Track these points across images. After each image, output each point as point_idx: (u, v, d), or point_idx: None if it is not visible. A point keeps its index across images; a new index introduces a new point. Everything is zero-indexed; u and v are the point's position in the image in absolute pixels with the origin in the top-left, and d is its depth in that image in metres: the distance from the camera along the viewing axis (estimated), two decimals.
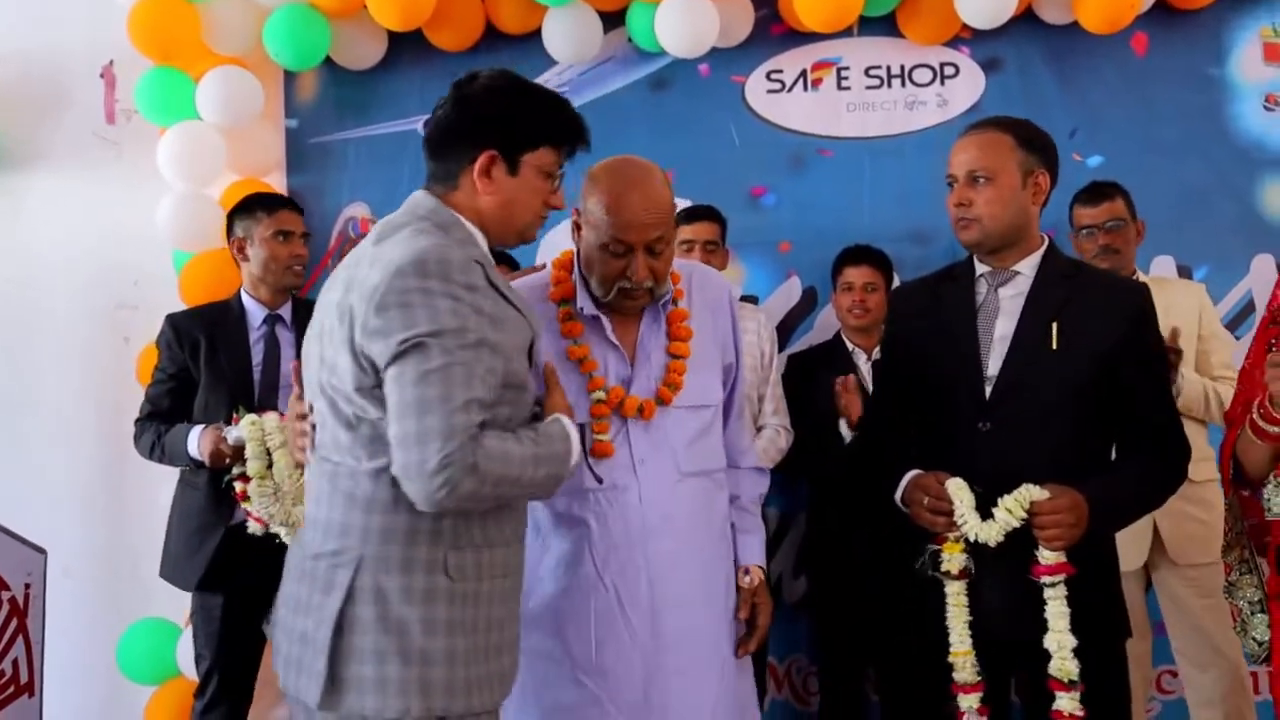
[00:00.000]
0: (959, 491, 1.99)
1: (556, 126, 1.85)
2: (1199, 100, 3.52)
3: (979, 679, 2.04)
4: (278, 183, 3.64)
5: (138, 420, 2.94)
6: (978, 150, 2.09)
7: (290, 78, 3.65)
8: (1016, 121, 2.12)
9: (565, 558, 2.08)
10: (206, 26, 3.43)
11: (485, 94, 1.81)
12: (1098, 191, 3.10)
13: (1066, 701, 1.95)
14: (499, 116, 1.80)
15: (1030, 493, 1.93)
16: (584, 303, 2.10)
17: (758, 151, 3.64)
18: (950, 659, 2.04)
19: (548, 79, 3.60)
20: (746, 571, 2.17)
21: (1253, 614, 2.08)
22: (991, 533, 1.95)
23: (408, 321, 1.60)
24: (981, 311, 2.10)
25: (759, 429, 3.27)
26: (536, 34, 3.52)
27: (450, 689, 1.68)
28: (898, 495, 2.09)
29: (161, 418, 2.92)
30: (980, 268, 2.15)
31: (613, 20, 3.53)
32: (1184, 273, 3.44)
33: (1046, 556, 1.93)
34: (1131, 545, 2.91)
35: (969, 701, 2.04)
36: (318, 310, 1.83)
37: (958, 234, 2.11)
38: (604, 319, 2.10)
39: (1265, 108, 3.53)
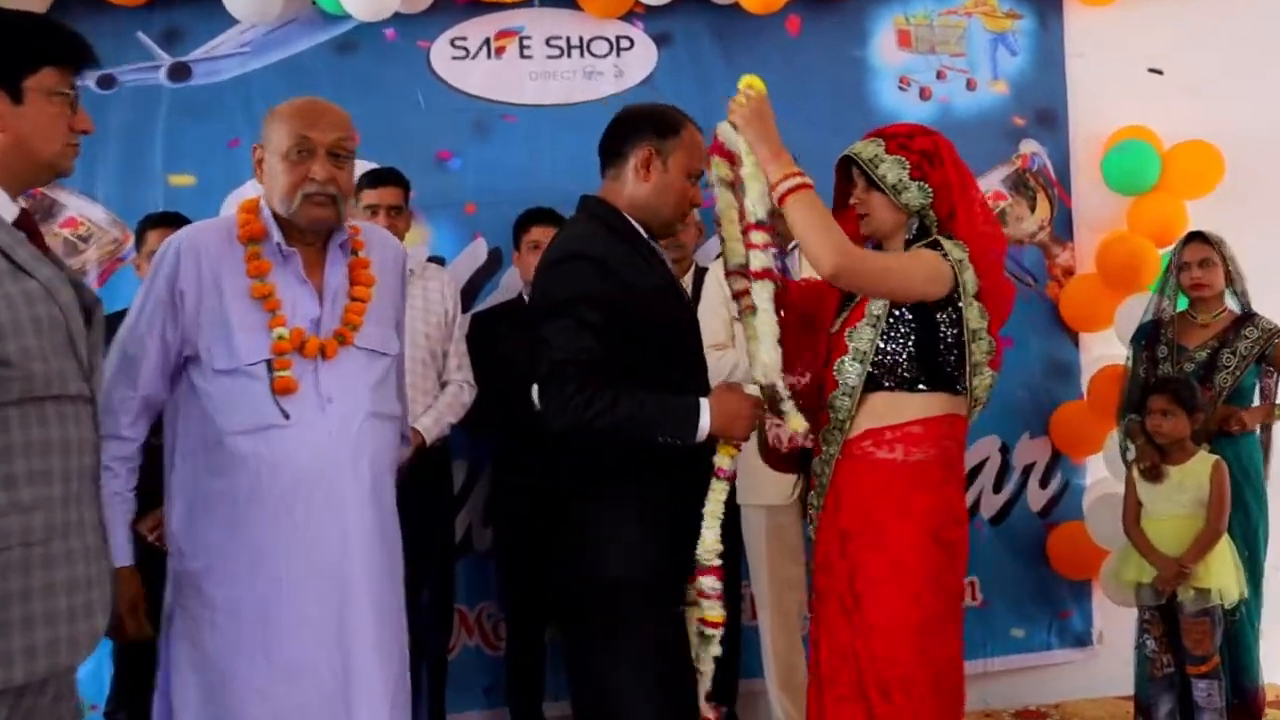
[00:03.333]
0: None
1: (50, 43, 1.91)
2: (845, 79, 4.39)
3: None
4: None
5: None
6: None
7: None
8: None
9: (249, 500, 2.32)
10: None
11: None
12: None
13: None
14: None
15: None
16: (277, 238, 2.36)
17: (443, 117, 4.15)
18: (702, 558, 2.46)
19: (228, 38, 4.02)
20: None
21: None
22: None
23: None
24: None
25: (443, 384, 3.76)
26: None
27: None
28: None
29: None
30: None
31: None
32: None
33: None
34: (784, 477, 3.38)
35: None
36: None
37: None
38: (296, 257, 2.38)
39: (899, 88, 4.44)
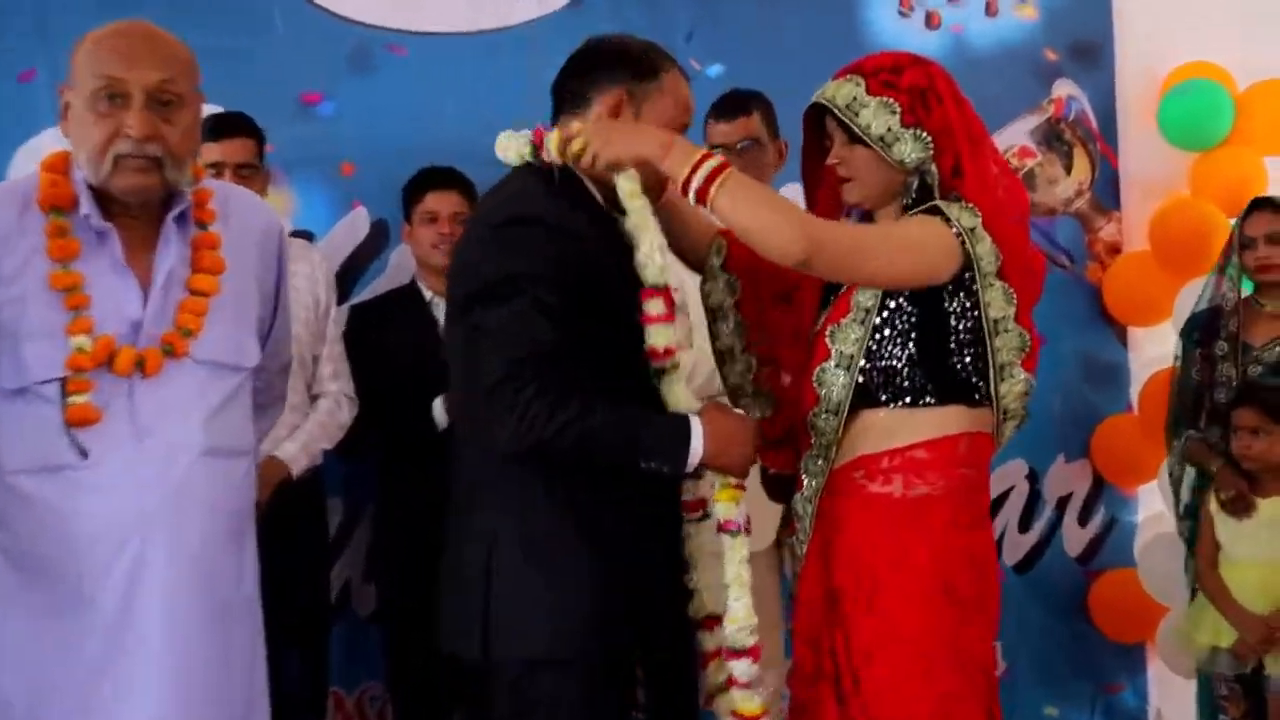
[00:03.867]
0: None
1: None
2: (830, 4, 4.24)
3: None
4: None
5: None
6: None
7: None
8: None
9: (27, 560, 2.20)
10: None
11: None
12: (733, 104, 3.56)
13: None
14: None
15: None
16: (88, 209, 2.22)
17: (310, 47, 3.93)
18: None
19: None
20: None
21: None
22: None
23: None
24: None
25: (314, 398, 3.60)
26: None
27: None
28: None
29: None
30: None
31: None
32: None
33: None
34: (760, 516, 3.26)
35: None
36: None
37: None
38: (113, 235, 2.23)
39: (900, 12, 4.31)
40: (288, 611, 3.40)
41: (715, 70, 4.08)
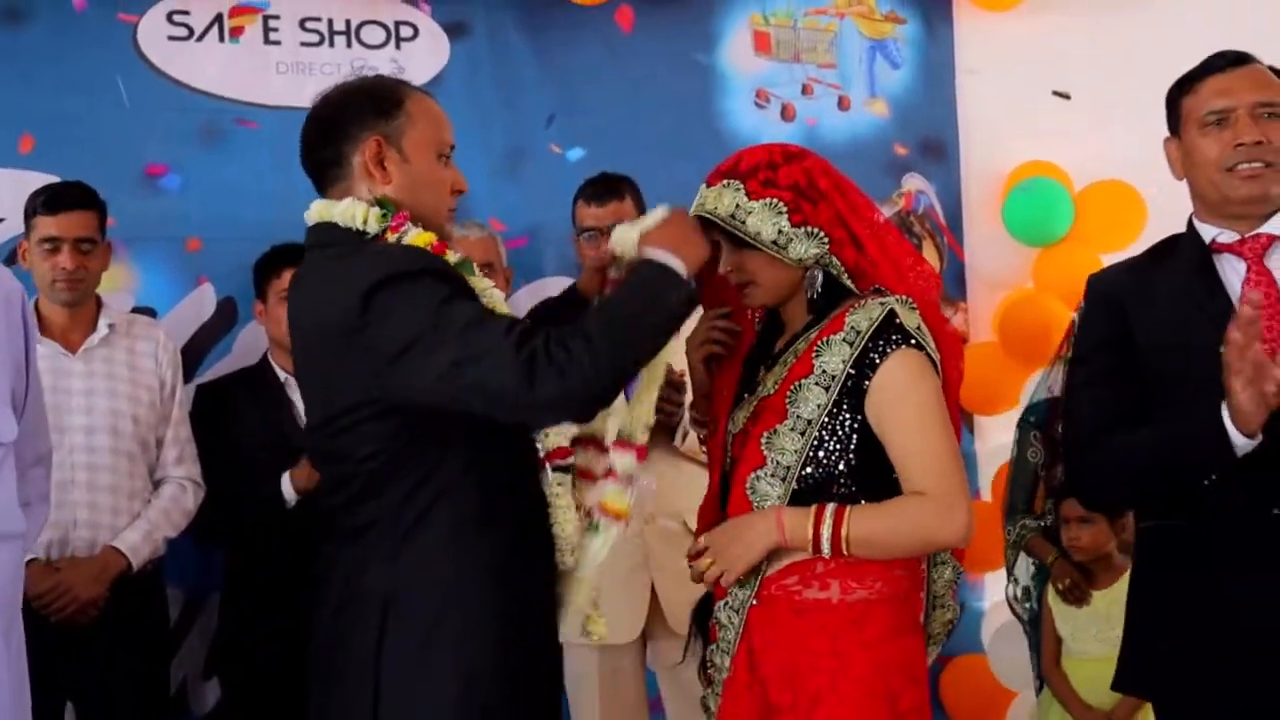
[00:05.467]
0: None
1: None
2: (688, 89, 4.36)
3: None
4: None
5: None
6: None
7: None
8: None
9: None
10: None
11: None
12: (604, 188, 3.66)
13: None
14: None
15: None
16: None
17: (156, 117, 3.91)
18: None
19: None
20: None
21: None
22: None
23: None
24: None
25: (157, 483, 3.55)
26: None
27: None
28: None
29: None
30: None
31: None
32: None
33: None
34: (625, 607, 3.45)
35: None
36: None
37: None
38: None
39: (756, 104, 4.42)
40: (124, 711, 3.53)
41: (576, 154, 4.20)
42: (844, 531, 2.31)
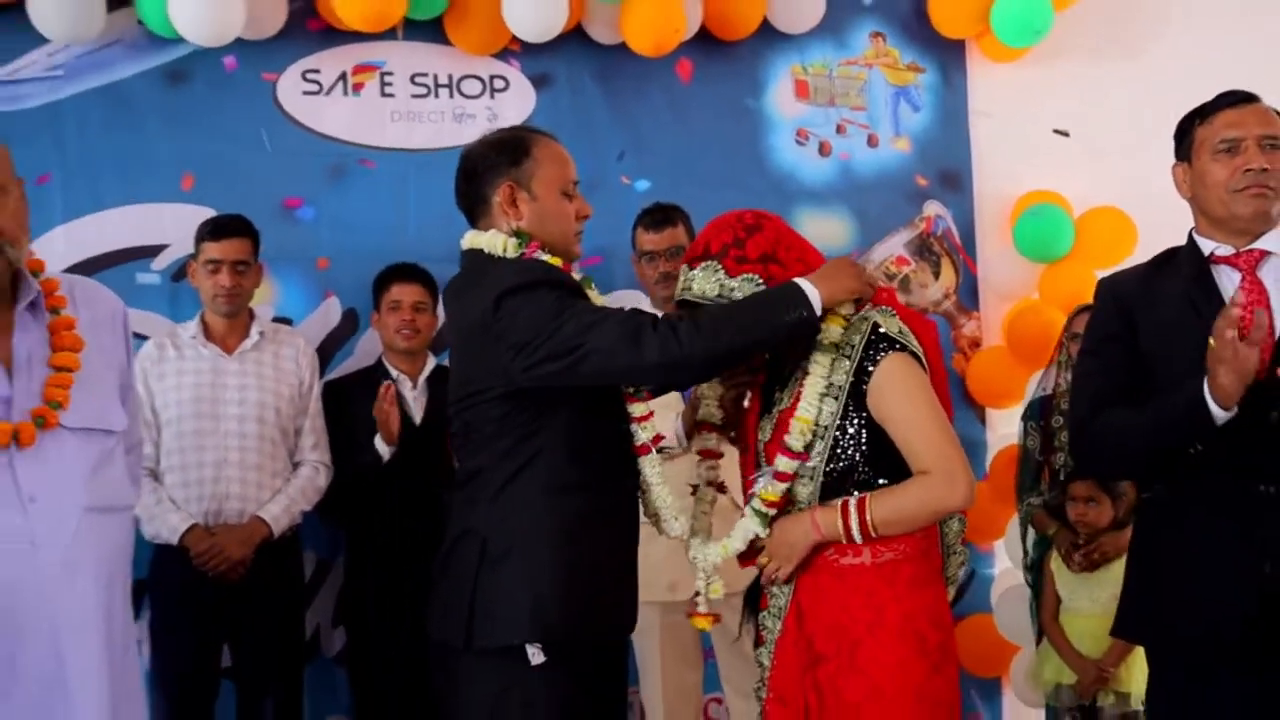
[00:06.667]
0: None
1: None
2: (738, 130, 4.47)
3: None
4: None
5: None
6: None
7: None
8: None
9: None
10: None
11: None
12: (660, 216, 3.80)
13: None
14: None
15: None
16: None
17: (293, 159, 4.12)
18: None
19: (35, 59, 3.93)
20: None
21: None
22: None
23: None
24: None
25: (296, 465, 3.73)
26: (20, 5, 3.78)
27: None
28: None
29: None
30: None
31: None
32: None
33: None
34: (683, 569, 3.33)
35: None
36: None
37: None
38: None
39: (797, 142, 4.52)
40: (267, 657, 3.72)
41: (643, 185, 4.32)
42: (868, 518, 2.41)
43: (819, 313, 2.39)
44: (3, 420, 2.16)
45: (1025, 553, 4.06)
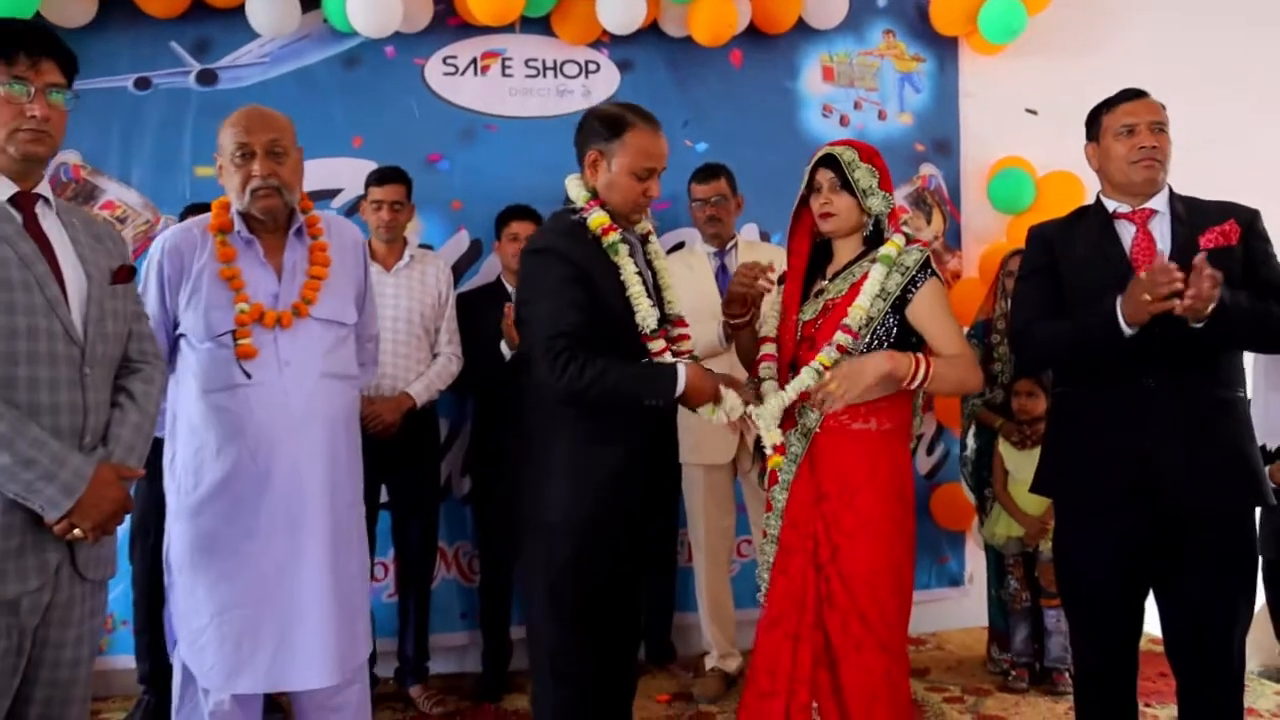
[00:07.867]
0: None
1: None
2: (778, 105, 4.87)
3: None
4: None
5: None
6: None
7: None
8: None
9: (222, 446, 2.51)
10: None
11: None
12: (708, 171, 4.17)
13: None
14: None
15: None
16: (239, 228, 2.57)
17: (435, 125, 4.49)
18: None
19: (250, 49, 4.39)
20: None
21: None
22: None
23: None
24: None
25: (435, 355, 4.07)
26: (240, 8, 4.24)
27: None
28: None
29: None
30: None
31: (310, 0, 4.31)
32: (765, 237, 4.80)
33: None
34: (722, 442, 3.95)
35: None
36: None
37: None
38: (256, 243, 2.59)
39: (823, 115, 4.89)
40: (412, 494, 4.07)
41: (702, 147, 4.68)
42: (931, 370, 2.60)
43: (674, 399, 2.54)
44: (272, 309, 2.58)
45: (964, 446, 4.43)
